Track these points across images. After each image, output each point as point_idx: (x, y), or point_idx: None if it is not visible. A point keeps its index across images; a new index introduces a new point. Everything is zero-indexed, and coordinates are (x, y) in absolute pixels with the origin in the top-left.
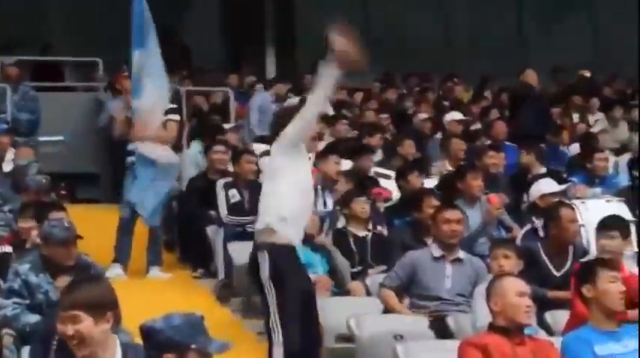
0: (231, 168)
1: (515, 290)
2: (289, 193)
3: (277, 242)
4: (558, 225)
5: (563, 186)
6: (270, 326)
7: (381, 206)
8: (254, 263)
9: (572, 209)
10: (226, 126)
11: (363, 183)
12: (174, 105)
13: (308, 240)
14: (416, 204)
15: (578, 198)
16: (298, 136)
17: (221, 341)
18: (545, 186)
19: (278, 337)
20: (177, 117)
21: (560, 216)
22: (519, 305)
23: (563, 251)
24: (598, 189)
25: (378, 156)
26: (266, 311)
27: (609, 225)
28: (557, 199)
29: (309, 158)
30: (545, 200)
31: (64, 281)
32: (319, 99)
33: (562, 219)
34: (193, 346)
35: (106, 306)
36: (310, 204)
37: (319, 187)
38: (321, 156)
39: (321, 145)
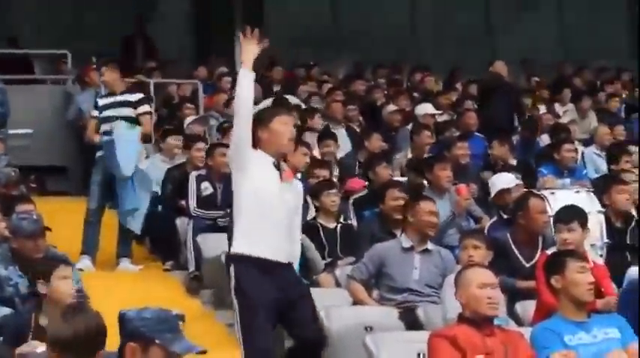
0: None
1: (478, 282)
2: (245, 204)
3: (237, 253)
4: (527, 215)
5: (516, 182)
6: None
7: (351, 198)
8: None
9: (542, 199)
10: (191, 117)
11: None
12: (141, 95)
13: None
14: (381, 196)
15: (547, 188)
16: (237, 140)
17: (190, 343)
18: (501, 182)
19: (241, 351)
20: (148, 108)
21: (529, 206)
22: (481, 296)
23: (532, 241)
24: (567, 180)
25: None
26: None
27: (568, 217)
28: (512, 194)
29: (277, 162)
30: (501, 196)
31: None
32: (238, 99)
33: (531, 210)
34: (157, 341)
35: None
36: (277, 209)
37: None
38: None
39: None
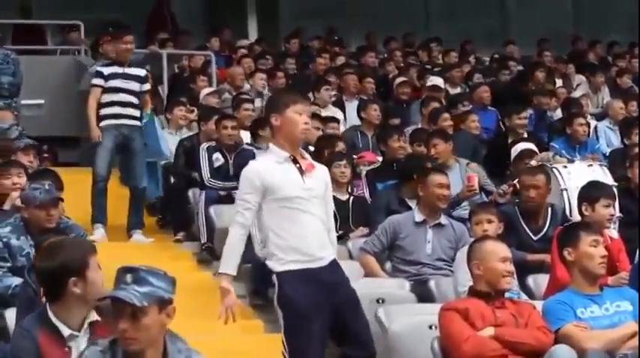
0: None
1: (498, 256)
2: (275, 221)
3: (277, 270)
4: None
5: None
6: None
7: (363, 170)
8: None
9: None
10: (206, 90)
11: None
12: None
13: None
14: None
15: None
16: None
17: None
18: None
19: None
20: (149, 86)
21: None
22: (502, 270)
23: (539, 215)
24: (577, 158)
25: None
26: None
27: (598, 195)
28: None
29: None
30: (521, 161)
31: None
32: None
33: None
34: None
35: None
36: (308, 207)
37: None
38: None
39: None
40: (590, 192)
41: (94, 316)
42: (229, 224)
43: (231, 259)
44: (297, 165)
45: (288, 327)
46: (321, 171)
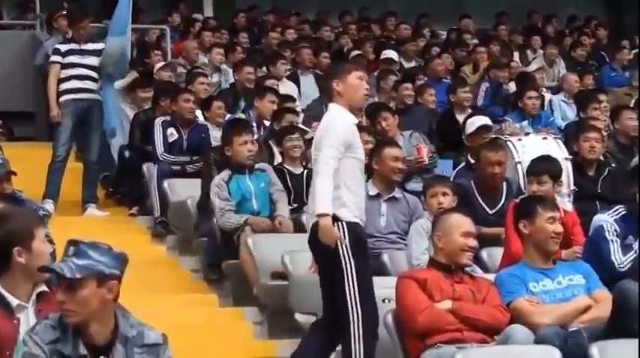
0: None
1: (462, 230)
2: (351, 175)
3: (350, 221)
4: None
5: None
6: (349, 302)
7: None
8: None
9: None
10: (160, 63)
11: None
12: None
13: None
14: None
15: (510, 134)
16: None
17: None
18: (479, 122)
19: (356, 312)
20: None
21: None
22: (463, 245)
23: (495, 189)
24: (525, 123)
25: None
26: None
27: (539, 170)
28: (484, 136)
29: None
30: (477, 137)
31: None
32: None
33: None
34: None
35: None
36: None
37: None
38: (257, 93)
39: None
40: (536, 167)
41: (42, 287)
42: (181, 198)
43: (328, 200)
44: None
45: (358, 269)
46: None
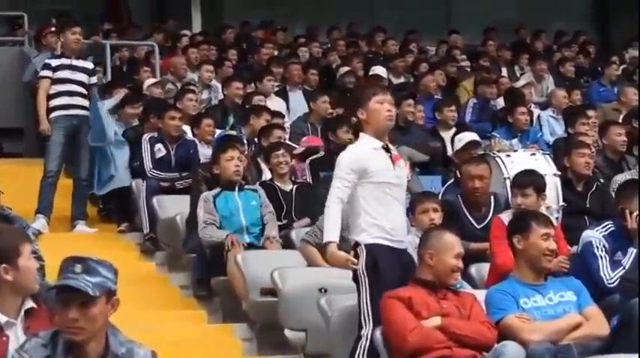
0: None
1: (454, 252)
2: (369, 200)
3: (365, 242)
4: (465, 180)
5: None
6: (361, 316)
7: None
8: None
9: (477, 164)
10: (150, 80)
11: None
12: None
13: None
14: None
15: (498, 151)
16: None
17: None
18: (467, 138)
19: (367, 330)
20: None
21: (464, 171)
22: (454, 266)
23: (480, 203)
24: (515, 140)
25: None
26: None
27: (523, 183)
28: (473, 152)
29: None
30: (465, 153)
31: None
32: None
33: (466, 176)
34: None
35: None
36: (397, 193)
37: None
38: (253, 111)
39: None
40: (520, 180)
41: (30, 304)
42: (170, 214)
43: (335, 229)
44: (389, 154)
45: (372, 286)
46: (403, 163)
